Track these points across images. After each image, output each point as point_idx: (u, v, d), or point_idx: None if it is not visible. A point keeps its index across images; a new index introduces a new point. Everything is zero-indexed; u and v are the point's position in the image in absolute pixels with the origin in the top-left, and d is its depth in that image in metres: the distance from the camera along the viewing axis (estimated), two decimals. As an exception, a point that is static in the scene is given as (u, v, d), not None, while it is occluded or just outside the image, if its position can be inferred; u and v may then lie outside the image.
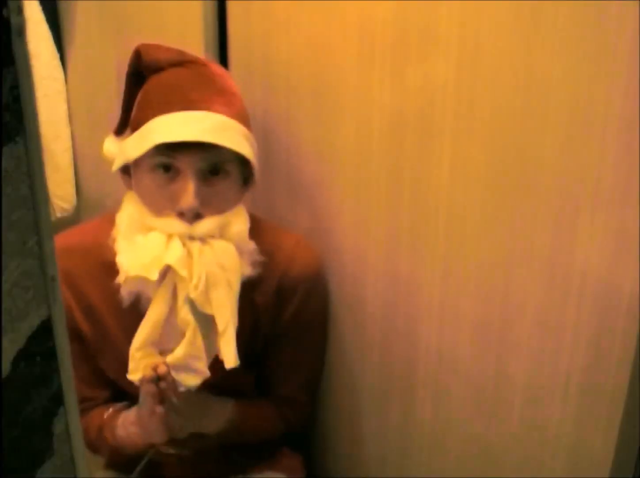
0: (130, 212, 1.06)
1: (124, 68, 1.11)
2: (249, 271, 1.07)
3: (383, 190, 1.08)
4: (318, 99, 1.14)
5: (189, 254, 1.01)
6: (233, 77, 1.24)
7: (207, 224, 1.03)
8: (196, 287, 1.00)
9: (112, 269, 1.08)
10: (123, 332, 1.13)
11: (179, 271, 0.99)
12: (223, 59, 1.27)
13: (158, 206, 1.03)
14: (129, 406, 1.17)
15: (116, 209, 1.13)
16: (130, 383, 1.14)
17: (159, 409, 1.03)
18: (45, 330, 0.47)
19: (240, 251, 1.06)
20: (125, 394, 1.19)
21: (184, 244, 1.01)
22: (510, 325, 0.98)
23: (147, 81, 1.08)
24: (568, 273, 0.90)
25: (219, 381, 1.09)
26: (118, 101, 1.13)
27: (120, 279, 1.04)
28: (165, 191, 1.03)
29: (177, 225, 1.02)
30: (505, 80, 0.90)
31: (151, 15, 1.35)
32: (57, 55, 1.55)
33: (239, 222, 1.07)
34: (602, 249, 0.86)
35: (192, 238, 1.02)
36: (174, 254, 1.00)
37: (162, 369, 1.01)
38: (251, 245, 1.08)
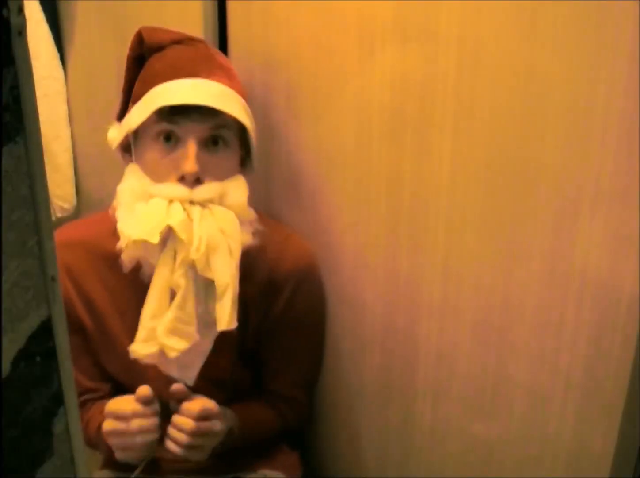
0: (131, 182, 1.07)
1: (124, 68, 1.11)
2: (249, 239, 1.07)
3: (383, 190, 1.08)
4: (318, 99, 1.14)
5: (189, 218, 1.02)
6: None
7: (207, 188, 1.04)
8: (197, 249, 1.00)
9: (113, 264, 1.09)
10: (123, 327, 1.14)
11: (179, 233, 1.00)
12: (223, 59, 1.27)
13: (160, 173, 1.05)
14: None
15: (113, 206, 1.14)
16: (130, 378, 1.14)
17: (118, 455, 1.09)
18: (45, 330, 0.47)
19: (240, 220, 1.06)
20: (126, 388, 1.19)
21: (184, 209, 1.02)
22: (510, 324, 0.98)
23: (148, 60, 1.09)
24: (568, 273, 0.90)
25: (217, 377, 1.10)
26: (118, 99, 1.13)
27: (121, 244, 1.04)
28: (167, 159, 1.04)
29: (178, 189, 1.03)
30: (505, 80, 0.90)
31: (151, 15, 1.35)
32: (57, 55, 1.55)
33: (238, 191, 1.08)
34: (602, 249, 0.86)
35: (192, 202, 1.03)
36: (175, 217, 1.01)
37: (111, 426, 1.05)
38: (252, 215, 1.09)
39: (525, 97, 0.88)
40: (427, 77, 0.98)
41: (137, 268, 1.06)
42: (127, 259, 1.05)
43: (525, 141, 0.90)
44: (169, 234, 1.01)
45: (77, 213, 1.67)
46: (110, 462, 1.28)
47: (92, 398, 1.20)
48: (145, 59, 1.10)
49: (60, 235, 1.16)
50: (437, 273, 1.05)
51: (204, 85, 1.05)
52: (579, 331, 0.91)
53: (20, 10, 0.41)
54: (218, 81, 1.06)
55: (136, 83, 1.09)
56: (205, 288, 1.04)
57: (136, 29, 1.11)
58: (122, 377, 1.20)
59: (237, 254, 1.04)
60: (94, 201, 1.65)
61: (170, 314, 1.02)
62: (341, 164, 1.14)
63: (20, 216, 0.44)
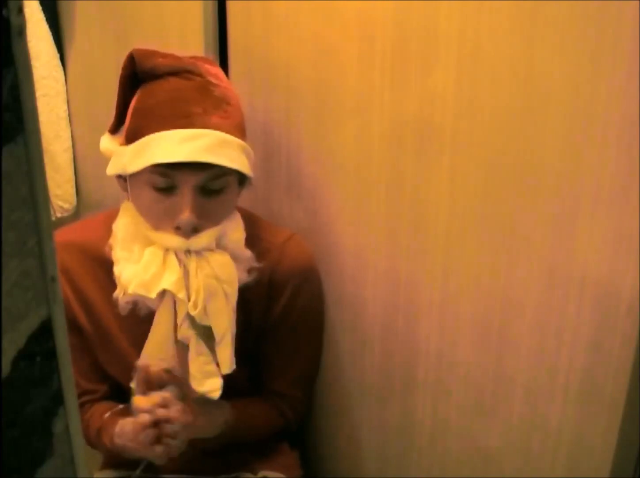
0: (126, 222, 1.08)
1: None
2: (244, 278, 1.10)
3: (383, 190, 1.08)
4: (318, 100, 1.14)
5: (186, 269, 1.04)
6: (233, 78, 1.24)
7: (204, 238, 1.05)
8: (195, 305, 1.03)
9: (110, 267, 1.09)
10: (121, 328, 1.14)
11: (176, 294, 1.03)
12: (223, 59, 1.27)
13: (155, 219, 1.05)
14: (127, 410, 1.16)
15: (113, 209, 1.14)
16: (128, 379, 1.14)
17: (158, 450, 1.04)
18: (45, 330, 0.47)
19: (235, 259, 1.08)
20: (125, 389, 1.19)
21: (180, 261, 1.04)
22: (510, 325, 0.98)
23: (142, 87, 1.07)
24: (568, 273, 0.90)
25: None
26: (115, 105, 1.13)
27: (118, 293, 1.07)
28: (163, 206, 1.04)
29: (174, 240, 1.04)
30: (505, 80, 0.90)
31: (151, 15, 1.35)
32: (57, 55, 1.55)
33: (235, 231, 1.09)
34: (602, 249, 0.86)
35: (188, 252, 1.04)
36: (170, 277, 1.03)
37: (160, 413, 1.03)
38: (247, 253, 1.10)
39: (525, 97, 0.88)
40: (427, 78, 0.98)
41: (134, 304, 1.09)
42: (123, 305, 1.07)
43: (525, 141, 0.90)
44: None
45: (77, 213, 1.67)
46: (111, 462, 1.28)
47: (90, 400, 1.20)
48: (138, 80, 1.07)
49: (58, 237, 1.16)
50: (437, 273, 1.05)
51: (198, 137, 1.01)
52: (579, 331, 0.91)
53: (20, 10, 0.41)
54: (215, 125, 1.03)
55: (129, 114, 1.07)
56: (204, 330, 1.06)
57: (136, 29, 1.11)
58: (120, 378, 1.20)
59: (233, 300, 1.07)
60: (94, 201, 1.65)
61: (194, 366, 1.05)
62: (341, 164, 1.14)
63: (20, 216, 0.44)
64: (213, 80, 1.08)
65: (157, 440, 1.04)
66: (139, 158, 1.02)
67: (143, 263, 1.04)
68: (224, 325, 1.05)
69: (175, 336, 1.06)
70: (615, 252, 0.85)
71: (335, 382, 1.28)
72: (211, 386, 1.06)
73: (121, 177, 1.10)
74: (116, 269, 1.07)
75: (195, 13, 1.26)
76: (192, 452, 1.24)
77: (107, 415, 1.17)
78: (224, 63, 1.26)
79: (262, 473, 1.26)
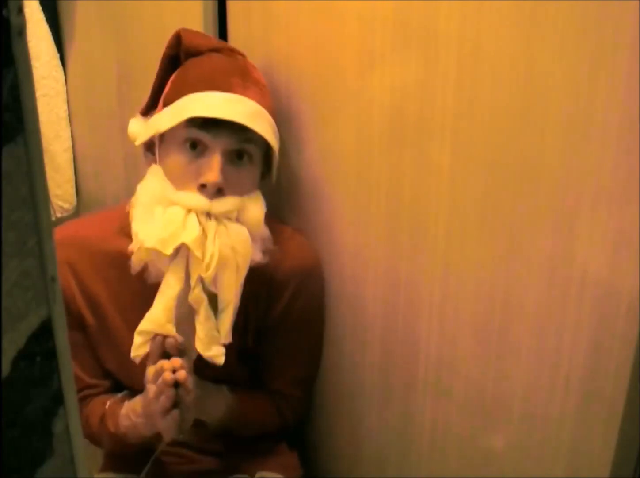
0: (152, 184, 1.08)
1: (124, 68, 1.12)
2: (259, 257, 1.08)
3: (383, 190, 1.08)
4: (318, 99, 1.14)
5: (204, 233, 1.03)
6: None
7: (227, 202, 1.04)
8: (208, 267, 1.02)
9: (115, 262, 1.09)
10: (125, 325, 1.14)
11: (194, 251, 1.01)
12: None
13: (182, 179, 1.05)
14: (130, 395, 1.17)
15: (119, 205, 1.14)
16: (130, 376, 1.15)
17: (175, 412, 1.03)
18: (45, 330, 0.47)
19: (253, 236, 1.07)
20: (123, 385, 1.19)
21: (200, 223, 1.03)
22: (510, 325, 0.98)
23: (184, 63, 1.10)
24: (568, 273, 0.90)
25: (213, 374, 1.10)
26: (118, 101, 1.13)
27: (133, 246, 1.05)
28: (191, 166, 1.05)
29: (197, 199, 1.04)
30: (505, 80, 0.90)
31: (151, 16, 1.35)
32: (57, 55, 1.55)
33: (256, 207, 1.09)
34: (602, 249, 0.86)
35: (209, 215, 1.03)
36: (191, 233, 1.01)
37: (181, 375, 1.01)
38: (266, 232, 1.10)
39: (525, 97, 0.88)
40: (427, 77, 0.98)
41: (143, 267, 1.07)
42: (136, 261, 1.06)
43: (525, 141, 0.90)
44: (181, 246, 1.02)
45: (77, 213, 1.67)
46: (111, 464, 1.28)
47: (91, 394, 1.20)
48: (179, 60, 1.11)
49: (64, 232, 1.17)
50: (437, 273, 1.05)
51: (238, 101, 1.05)
52: (579, 331, 0.91)
53: (20, 10, 0.41)
54: (252, 97, 1.06)
55: (169, 84, 1.09)
56: (209, 298, 1.05)
57: (136, 29, 1.11)
58: (120, 375, 1.20)
59: (243, 272, 1.06)
60: (94, 201, 1.65)
61: (202, 332, 1.04)
62: (341, 164, 1.14)
63: (20, 216, 0.44)
64: (252, 64, 1.13)
65: (168, 411, 1.03)
66: (176, 115, 1.04)
67: (163, 221, 1.03)
68: (230, 296, 1.04)
69: (181, 302, 1.05)
70: (615, 252, 0.85)
71: (335, 382, 1.28)
72: (216, 351, 1.05)
73: (149, 150, 1.11)
74: (134, 226, 1.06)
75: (195, 13, 1.26)
76: (193, 453, 1.24)
77: (109, 401, 1.18)
78: (224, 63, 1.26)
79: (261, 473, 1.26)
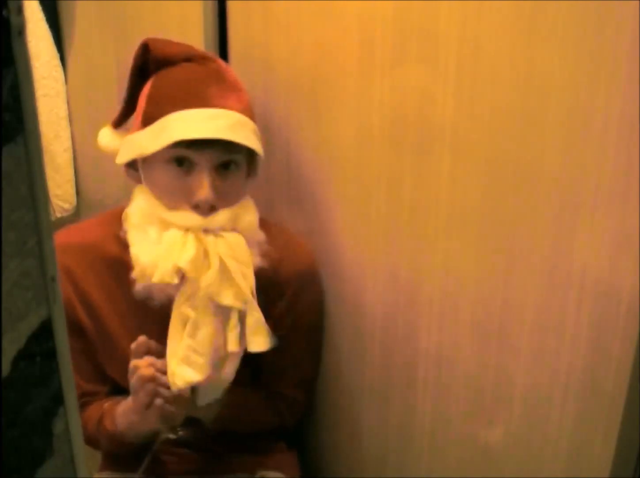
0: (141, 205, 1.08)
1: (125, 68, 1.11)
2: (259, 261, 1.09)
3: (383, 190, 1.08)
4: (318, 99, 1.14)
5: (205, 248, 1.03)
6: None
7: (222, 216, 1.05)
8: (211, 284, 1.02)
9: (113, 267, 1.09)
10: (123, 330, 1.14)
11: (189, 273, 1.01)
12: (223, 59, 1.27)
13: (172, 198, 1.05)
14: (126, 397, 1.17)
15: (117, 208, 1.14)
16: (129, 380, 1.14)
17: (158, 402, 1.04)
18: (45, 330, 0.47)
19: (249, 242, 1.08)
20: (125, 390, 1.19)
21: (199, 240, 1.03)
22: (510, 324, 0.98)
23: (155, 75, 1.08)
24: (568, 273, 0.90)
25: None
26: (118, 100, 1.13)
27: (135, 273, 1.05)
28: (180, 184, 1.04)
29: (193, 218, 1.04)
30: (505, 80, 0.90)
31: (151, 16, 1.35)
32: (57, 55, 1.55)
33: (249, 213, 1.09)
34: (602, 249, 0.86)
35: (206, 231, 1.04)
36: (185, 254, 1.02)
37: (148, 371, 1.02)
38: (261, 236, 1.10)
39: (525, 97, 0.88)
40: (427, 78, 0.98)
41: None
42: (140, 287, 1.06)
43: (525, 141, 0.90)
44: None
45: (77, 213, 1.67)
46: (109, 463, 1.28)
47: (90, 401, 1.20)
48: (149, 71, 1.09)
49: (60, 238, 1.16)
50: (437, 273, 1.05)
51: (219, 116, 1.04)
52: (579, 332, 0.91)
53: (20, 10, 0.41)
54: (231, 107, 1.05)
55: (145, 100, 1.08)
56: (225, 314, 1.05)
57: (136, 29, 1.11)
58: (121, 379, 1.20)
59: (251, 280, 1.06)
60: (94, 201, 1.65)
61: (183, 343, 1.04)
62: (341, 164, 1.14)
63: (20, 216, 0.44)
64: (224, 67, 1.11)
65: (148, 406, 1.05)
66: (158, 138, 1.03)
67: (163, 249, 1.03)
68: (241, 304, 1.04)
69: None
70: (615, 252, 0.85)
71: (335, 382, 1.28)
72: (185, 373, 1.04)
73: (131, 167, 1.10)
74: (132, 250, 1.06)
75: (195, 13, 1.26)
76: (191, 452, 1.24)
77: (108, 403, 1.18)
78: (224, 63, 1.26)
79: (260, 473, 1.26)
